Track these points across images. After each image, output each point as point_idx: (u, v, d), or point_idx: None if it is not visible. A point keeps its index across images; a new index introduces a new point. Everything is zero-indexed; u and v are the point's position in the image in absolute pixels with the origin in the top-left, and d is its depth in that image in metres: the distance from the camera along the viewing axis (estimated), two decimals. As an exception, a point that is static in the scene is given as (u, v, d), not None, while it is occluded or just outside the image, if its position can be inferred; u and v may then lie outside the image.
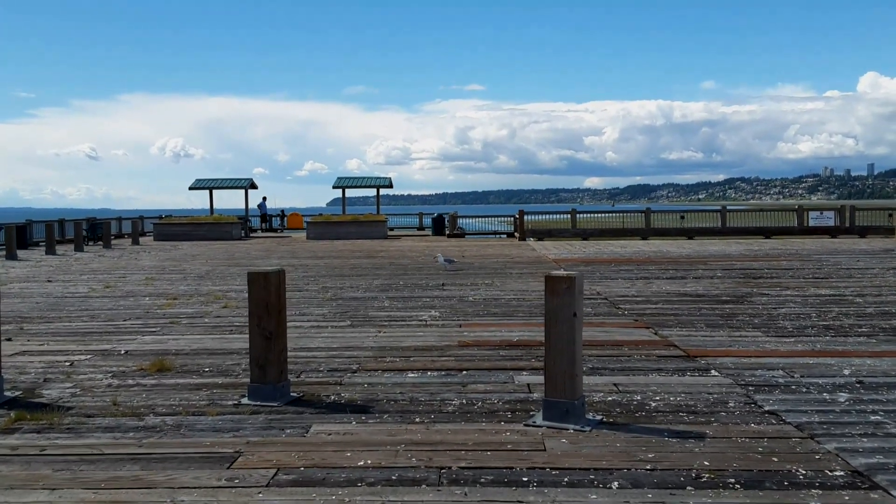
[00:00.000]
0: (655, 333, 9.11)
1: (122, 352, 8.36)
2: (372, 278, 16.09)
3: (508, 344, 8.47)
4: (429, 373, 7.10)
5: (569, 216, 33.80)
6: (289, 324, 10.11)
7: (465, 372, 7.10)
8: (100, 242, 30.45)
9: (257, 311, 6.12)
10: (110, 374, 7.23)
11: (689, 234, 31.33)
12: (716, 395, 6.19)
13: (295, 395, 6.28)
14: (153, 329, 9.84)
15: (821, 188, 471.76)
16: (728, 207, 32.94)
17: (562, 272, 5.45)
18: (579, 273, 5.44)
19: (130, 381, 6.93)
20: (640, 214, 32.58)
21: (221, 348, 8.47)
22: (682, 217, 32.61)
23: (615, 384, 6.58)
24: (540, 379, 6.50)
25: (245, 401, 6.10)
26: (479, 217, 43.57)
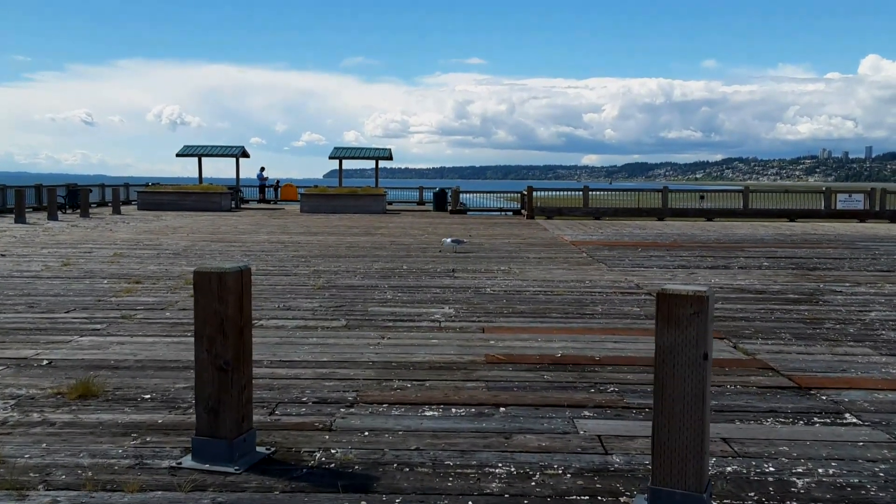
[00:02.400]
0: (735, 347, 7.13)
1: (45, 362, 6.34)
2: (371, 260, 14.06)
3: (552, 361, 6.47)
4: (453, 410, 5.11)
5: (579, 194, 31.75)
6: (270, 323, 8.15)
7: (503, 410, 5.11)
8: (78, 211, 28.32)
9: (207, 330, 4.11)
10: (12, 403, 5.22)
11: (709, 215, 29.33)
12: (883, 466, 4.21)
13: (263, 451, 4.28)
14: (97, 326, 7.82)
15: (818, 170, 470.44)
16: (750, 188, 30.86)
17: (682, 288, 3.43)
18: (709, 290, 3.43)
19: (35, 416, 4.92)
20: (657, 193, 30.53)
21: (176, 359, 6.46)
22: (702, 197, 30.57)
23: (725, 440, 4.59)
24: (614, 426, 4.57)
25: (187, 462, 4.11)
26: (481, 193, 41.38)
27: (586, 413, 5.06)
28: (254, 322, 8.02)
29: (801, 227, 24.99)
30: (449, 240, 16.04)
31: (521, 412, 5.07)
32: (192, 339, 6.76)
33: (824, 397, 5.52)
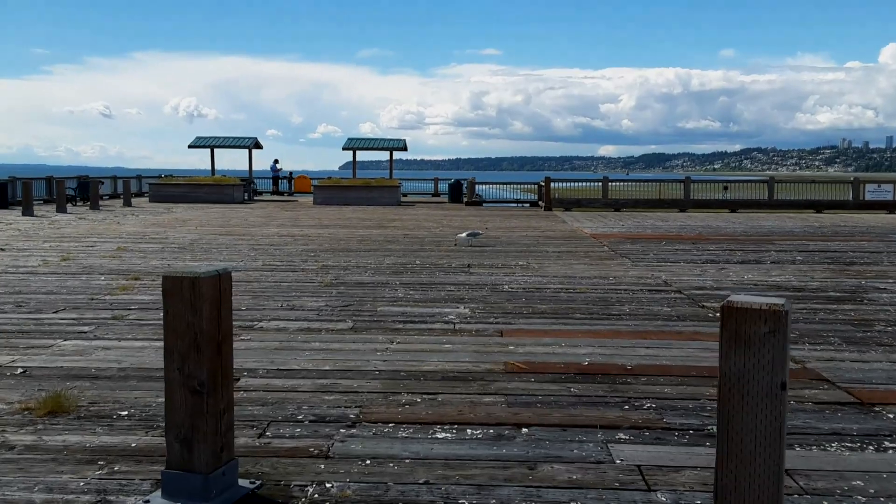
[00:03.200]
0: (780, 354, 6.43)
1: (20, 370, 5.76)
2: (383, 255, 13.44)
3: (578, 370, 5.82)
4: (469, 431, 4.48)
5: (598, 185, 30.98)
6: (271, 325, 7.54)
7: (526, 432, 4.47)
8: (88, 203, 27.89)
9: (178, 345, 3.49)
10: (-28, 420, 4.64)
11: (732, 206, 28.48)
12: (981, 508, 3.53)
13: (246, 486, 3.67)
14: (85, 328, 7.25)
15: (838, 160, 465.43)
16: (776, 178, 29.92)
17: (753, 300, 2.76)
18: (786, 302, 2.76)
19: (-6, 438, 4.34)
20: (678, 184, 29.69)
21: (163, 367, 5.85)
22: (726, 188, 29.69)
23: (788, 471, 3.92)
24: (655, 454, 3.95)
25: (156, 500, 3.50)
26: (497, 184, 40.67)
27: (621, 436, 4.41)
28: (253, 324, 7.44)
29: (829, 219, 24.11)
30: (464, 234, 15.37)
31: (547, 434, 4.42)
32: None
33: (892, 415, 4.83)
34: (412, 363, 5.99)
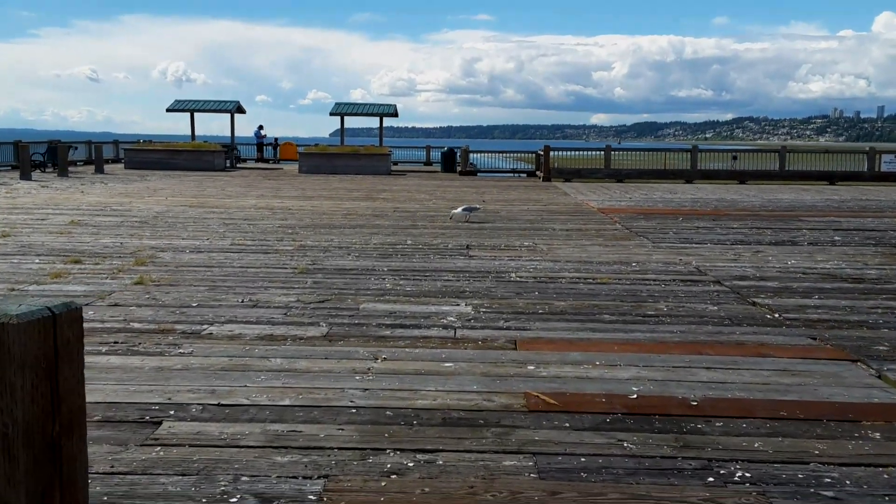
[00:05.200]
0: (880, 376, 4.95)
1: None
2: (370, 232, 11.87)
3: (626, 406, 4.30)
4: (486, 528, 2.96)
5: (596, 154, 29.37)
6: (223, 330, 5.84)
7: (573, 532, 2.95)
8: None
9: (-28, 446, 1.92)
10: None
11: (741, 177, 26.94)
12: None
13: None
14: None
15: (829, 129, 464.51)
16: (788, 147, 28.36)
17: None
18: None
19: None
20: (685, 154, 28.10)
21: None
22: (735, 157, 28.09)
23: None
24: None
25: None
26: (491, 153, 38.89)
27: (719, 540, 2.90)
28: (201, 328, 5.89)
29: (848, 192, 22.59)
30: (459, 209, 13.78)
31: (605, 536, 2.91)
32: (103, 358, 4.66)
33: None
34: (402, 394, 4.46)
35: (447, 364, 5.08)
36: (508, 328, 6.09)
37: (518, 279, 8.21)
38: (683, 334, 5.96)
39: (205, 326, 5.96)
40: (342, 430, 3.92)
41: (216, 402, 4.26)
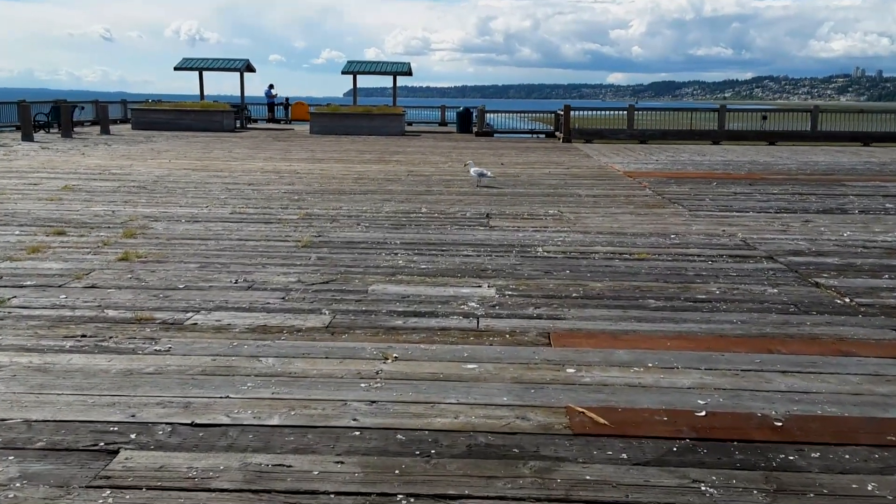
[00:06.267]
0: None
1: None
2: (381, 199, 11.02)
3: (693, 429, 3.47)
4: None
5: (619, 114, 28.21)
6: (209, 319, 5.01)
7: None
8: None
9: None
10: None
11: (771, 138, 25.75)
12: None
13: None
14: (-67, 325, 4.91)
15: (850, 89, 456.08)
16: (820, 107, 27.03)
17: None
18: None
19: None
20: (711, 114, 26.89)
21: (6, 417, 3.53)
22: (765, 117, 26.85)
23: None
24: None
25: None
26: (507, 112, 37.63)
27: None
28: (185, 317, 5.09)
29: (885, 154, 21.41)
30: (472, 170, 12.92)
31: None
32: (65, 357, 3.87)
33: None
34: (416, 409, 3.65)
35: (470, 365, 4.26)
36: (539, 317, 5.25)
37: (545, 254, 7.36)
38: (745, 325, 5.10)
39: (189, 314, 5.16)
40: (341, 462, 3.12)
41: (189, 422, 3.47)
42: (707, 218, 9.68)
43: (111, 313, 5.18)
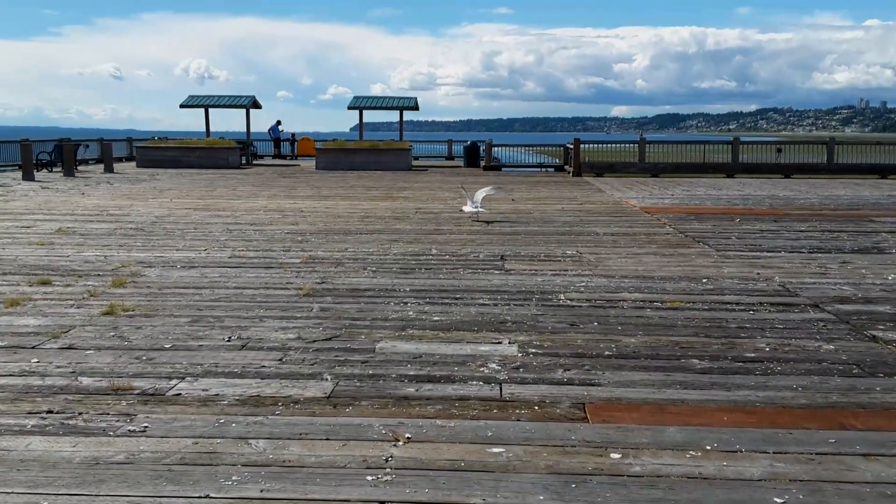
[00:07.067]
0: None
1: None
2: (389, 239, 10.44)
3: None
4: None
5: (629, 146, 27.73)
6: (194, 388, 4.44)
7: None
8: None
9: None
10: None
11: (786, 171, 25.16)
12: None
13: None
14: None
15: (855, 120, 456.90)
16: (836, 139, 26.48)
17: None
18: None
19: None
20: (725, 146, 26.38)
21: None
22: (780, 150, 26.31)
23: None
24: None
25: None
26: (513, 146, 37.22)
27: None
28: (167, 385, 4.45)
29: (906, 187, 20.80)
30: (468, 206, 12.65)
31: None
32: (23, 441, 3.24)
33: None
34: (434, 515, 3.01)
35: (496, 449, 3.62)
36: (570, 381, 4.62)
37: (568, 302, 6.74)
38: (808, 392, 4.45)
39: (173, 382, 4.55)
40: None
41: (157, 535, 2.84)
42: (737, 259, 9.06)
43: (85, 381, 4.57)
